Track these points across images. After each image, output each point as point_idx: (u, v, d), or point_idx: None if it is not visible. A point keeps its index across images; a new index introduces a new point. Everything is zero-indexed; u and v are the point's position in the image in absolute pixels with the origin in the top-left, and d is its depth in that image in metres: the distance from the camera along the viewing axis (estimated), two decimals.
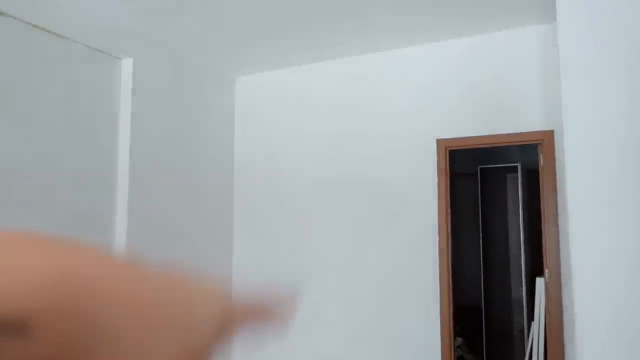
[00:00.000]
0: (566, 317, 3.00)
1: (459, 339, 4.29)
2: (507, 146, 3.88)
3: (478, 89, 3.45)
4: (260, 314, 0.29)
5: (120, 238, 3.26)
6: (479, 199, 5.24)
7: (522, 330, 4.57)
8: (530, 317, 4.06)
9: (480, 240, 5.10)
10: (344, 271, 3.78)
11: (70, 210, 2.98)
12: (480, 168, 5.31)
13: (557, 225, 3.12)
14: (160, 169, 3.57)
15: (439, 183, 3.49)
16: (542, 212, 3.22)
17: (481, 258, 5.00)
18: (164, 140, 3.63)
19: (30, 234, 0.23)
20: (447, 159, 3.51)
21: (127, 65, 3.39)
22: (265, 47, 3.73)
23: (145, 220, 3.40)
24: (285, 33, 3.44)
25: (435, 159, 3.52)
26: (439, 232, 3.44)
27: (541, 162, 3.27)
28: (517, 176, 4.72)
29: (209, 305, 0.24)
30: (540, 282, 3.41)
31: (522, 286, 4.64)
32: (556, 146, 3.15)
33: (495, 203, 5.30)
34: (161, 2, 2.96)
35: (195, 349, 0.23)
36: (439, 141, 3.52)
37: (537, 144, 3.34)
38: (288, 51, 3.81)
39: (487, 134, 3.40)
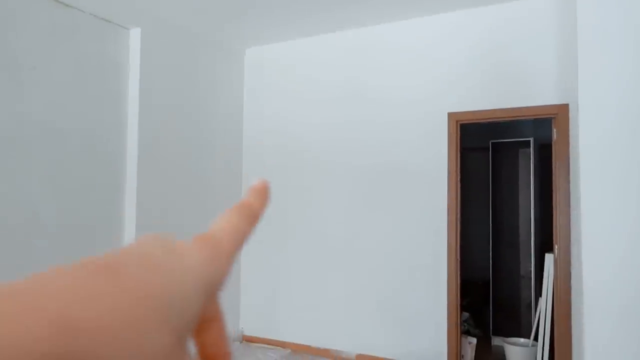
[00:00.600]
0: (574, 293, 2.99)
1: (466, 314, 4.31)
2: (520, 120, 3.81)
3: (490, 61, 3.36)
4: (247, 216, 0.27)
5: (129, 211, 3.29)
6: (490, 173, 5.18)
7: (530, 306, 4.58)
8: (538, 293, 4.06)
9: (490, 216, 5.06)
10: (352, 246, 3.78)
11: (79, 184, 3.00)
12: (492, 142, 5.23)
13: (568, 202, 3.08)
14: (169, 142, 3.57)
15: (449, 157, 3.44)
16: (553, 186, 3.18)
17: (490, 233, 4.98)
18: (173, 113, 3.61)
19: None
20: (459, 132, 3.45)
21: (135, 36, 3.36)
22: (274, 18, 3.65)
23: (154, 193, 3.42)
24: (293, 3, 3.36)
25: (446, 132, 3.46)
26: (448, 207, 3.42)
27: (554, 137, 3.21)
28: (530, 151, 4.65)
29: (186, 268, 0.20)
30: (549, 257, 3.39)
31: (531, 262, 4.62)
32: (570, 120, 3.08)
33: (507, 178, 5.24)
34: None
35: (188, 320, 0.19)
36: (450, 114, 3.46)
37: (550, 118, 3.27)
38: (296, 22, 3.73)
39: (499, 107, 3.33)
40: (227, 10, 3.50)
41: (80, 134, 3.01)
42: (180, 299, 0.19)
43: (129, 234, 3.26)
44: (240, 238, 0.25)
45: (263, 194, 0.29)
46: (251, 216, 0.27)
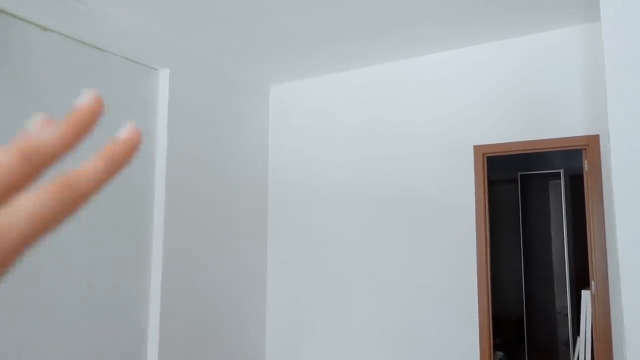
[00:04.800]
0: (615, 332, 2.83)
1: (500, 353, 4.13)
2: (550, 152, 3.73)
3: (517, 92, 3.33)
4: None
5: (157, 244, 3.32)
6: (520, 206, 5.06)
7: (567, 344, 4.36)
8: (576, 331, 3.87)
9: (522, 250, 4.91)
10: (377, 282, 3.71)
11: (109, 215, 3.06)
12: (521, 174, 5.13)
13: (603, 235, 2.97)
14: (196, 178, 3.62)
15: (476, 190, 3.38)
16: (587, 220, 3.07)
17: (522, 268, 4.82)
18: (200, 150, 3.68)
19: None
20: (485, 166, 3.40)
21: (163, 76, 3.47)
22: (298, 56, 3.73)
23: (181, 227, 3.45)
24: (317, 43, 3.43)
25: (473, 166, 3.42)
26: (477, 242, 3.33)
27: (586, 168, 3.12)
28: (560, 183, 4.54)
29: None
30: (586, 294, 3.24)
31: (566, 298, 4.43)
32: (602, 151, 2.99)
33: (537, 211, 5.10)
34: (197, 16, 3.01)
35: None
36: (476, 147, 3.42)
37: (581, 149, 3.19)
38: (320, 59, 3.80)
39: (527, 139, 3.27)
40: (252, 49, 3.60)
41: None
42: None
43: (155, 268, 3.29)
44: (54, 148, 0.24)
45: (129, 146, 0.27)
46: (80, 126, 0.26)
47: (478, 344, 3.25)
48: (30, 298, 2.59)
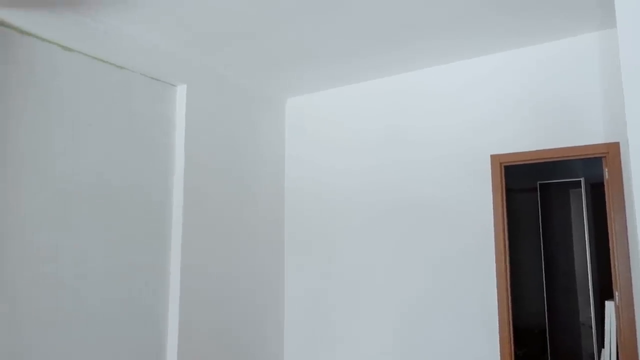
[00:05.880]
0: None
1: None
2: (569, 160, 3.68)
3: (534, 100, 3.31)
4: None
5: (175, 253, 3.36)
6: (540, 215, 4.99)
7: (592, 356, 4.26)
8: (600, 342, 3.79)
9: (542, 260, 4.83)
10: (395, 289, 3.68)
11: (129, 228, 3.11)
12: (540, 183, 5.06)
13: (626, 244, 2.90)
14: (213, 190, 3.67)
15: (494, 200, 3.35)
16: (609, 229, 3.01)
17: (544, 278, 4.73)
18: (217, 162, 3.73)
19: None
20: (503, 175, 3.37)
21: (181, 92, 3.53)
22: (314, 70, 3.77)
23: (199, 239, 3.49)
24: (333, 56, 3.46)
25: (490, 175, 3.39)
26: (495, 251, 3.29)
27: (606, 176, 3.07)
28: (581, 191, 4.46)
29: None
30: (610, 305, 3.17)
31: (590, 309, 4.34)
32: (622, 159, 2.95)
33: (558, 220, 5.02)
34: (213, 33, 3.07)
35: None
36: (493, 157, 3.40)
37: (601, 158, 3.14)
38: (336, 71, 3.83)
39: (545, 147, 3.24)
40: (268, 63, 3.65)
41: (130, 187, 3.15)
42: None
43: (174, 279, 3.32)
44: None
45: None
46: None
47: (499, 356, 3.19)
48: (49, 309, 2.64)
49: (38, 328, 2.57)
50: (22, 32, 2.61)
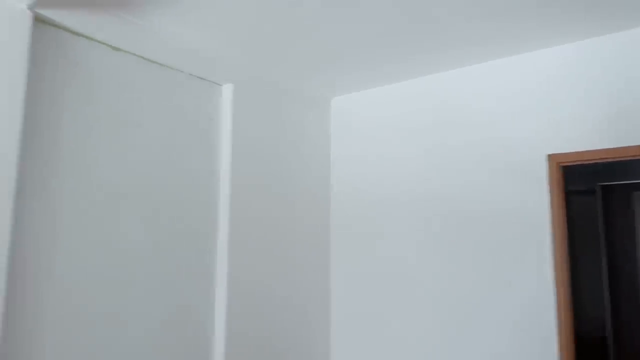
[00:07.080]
0: None
1: None
2: (634, 160, 3.41)
3: (595, 95, 3.07)
4: None
5: (222, 256, 3.35)
6: (602, 219, 4.67)
7: None
8: None
9: (604, 268, 4.52)
10: (445, 297, 3.53)
11: (174, 229, 3.13)
12: (602, 185, 4.74)
13: None
14: (259, 193, 3.64)
15: (552, 205, 3.13)
16: None
17: (607, 288, 4.42)
18: (262, 162, 3.71)
19: None
20: (562, 177, 3.15)
21: (227, 91, 3.54)
22: (359, 69, 3.68)
23: (245, 244, 3.47)
24: (378, 54, 3.36)
25: (547, 177, 3.18)
26: (554, 261, 3.08)
27: None
28: None
29: None
30: None
31: None
32: None
33: (622, 224, 4.69)
34: (259, 32, 3.04)
35: None
36: (550, 157, 3.18)
37: None
38: (382, 70, 3.72)
39: (608, 146, 3.00)
40: (313, 63, 3.59)
41: (176, 187, 3.17)
42: None
43: (220, 287, 3.32)
44: None
45: None
46: None
47: None
48: (95, 314, 2.69)
49: (86, 327, 2.61)
50: (73, 32, 2.67)
